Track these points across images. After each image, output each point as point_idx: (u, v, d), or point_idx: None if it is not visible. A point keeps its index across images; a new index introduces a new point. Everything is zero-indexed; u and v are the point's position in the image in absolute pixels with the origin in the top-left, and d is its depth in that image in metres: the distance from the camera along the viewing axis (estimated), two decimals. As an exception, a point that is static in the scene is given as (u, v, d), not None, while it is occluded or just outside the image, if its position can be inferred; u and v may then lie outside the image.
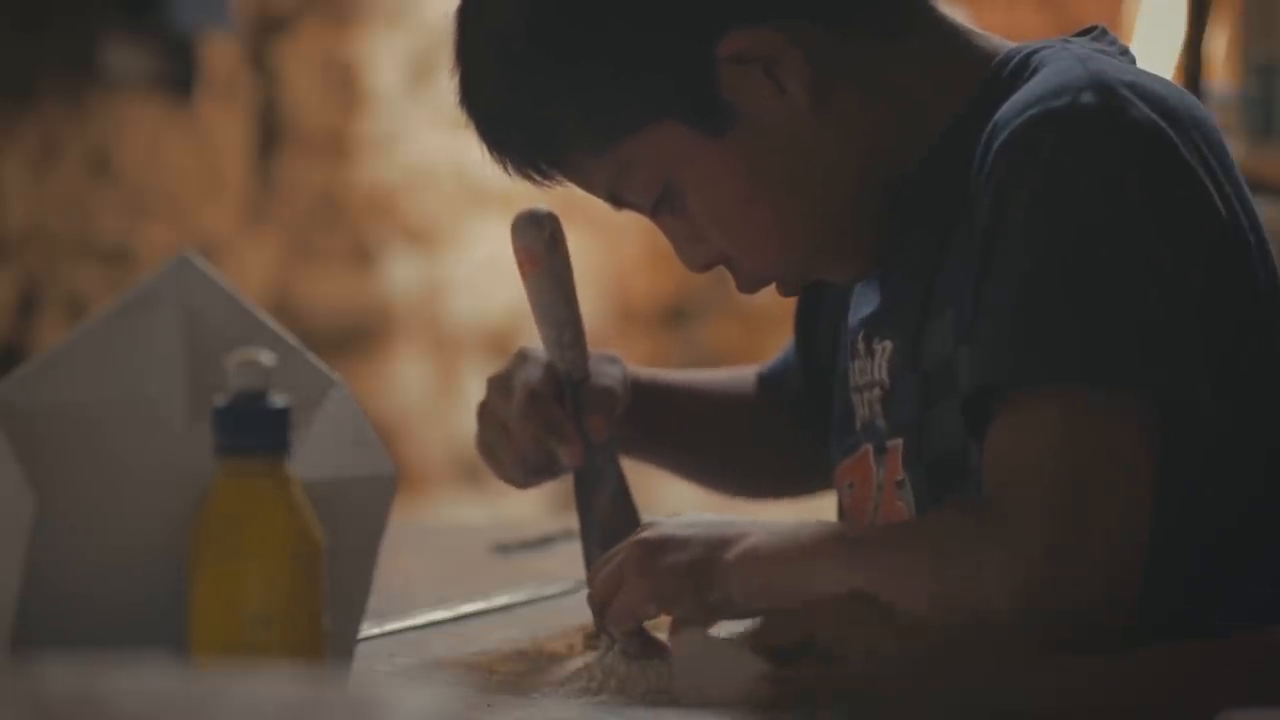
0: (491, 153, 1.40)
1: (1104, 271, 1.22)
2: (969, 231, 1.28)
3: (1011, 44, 1.39)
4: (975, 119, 1.31)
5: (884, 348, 1.38)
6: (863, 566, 1.26)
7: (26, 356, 3.37)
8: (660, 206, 1.37)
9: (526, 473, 1.51)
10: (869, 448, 1.42)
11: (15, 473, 1.10)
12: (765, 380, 1.71)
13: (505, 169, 1.40)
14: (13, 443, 1.10)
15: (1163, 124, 1.25)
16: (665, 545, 1.31)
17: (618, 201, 1.38)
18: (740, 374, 1.75)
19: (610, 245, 4.81)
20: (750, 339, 4.86)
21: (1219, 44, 3.41)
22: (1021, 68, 1.34)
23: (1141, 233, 1.23)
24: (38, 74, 3.65)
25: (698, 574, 1.29)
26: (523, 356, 1.52)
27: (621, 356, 1.58)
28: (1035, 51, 1.35)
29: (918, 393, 1.36)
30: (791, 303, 1.65)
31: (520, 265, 1.49)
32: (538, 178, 1.39)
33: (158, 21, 3.68)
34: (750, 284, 1.41)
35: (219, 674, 0.83)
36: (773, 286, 1.42)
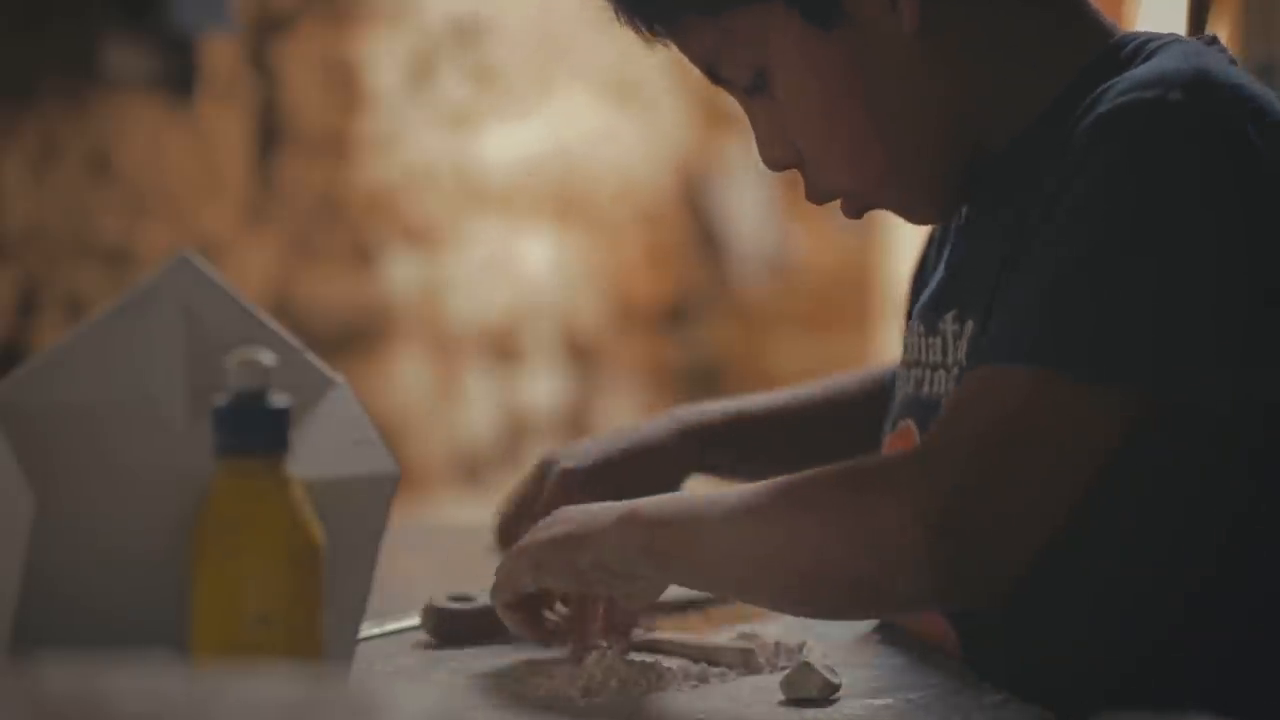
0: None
1: (1139, 269, 1.22)
2: (1043, 205, 1.29)
3: (1127, 31, 1.39)
4: (1082, 94, 1.31)
5: (967, 328, 1.37)
6: (755, 523, 1.27)
7: (26, 356, 3.37)
8: (753, 89, 1.39)
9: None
10: (910, 424, 1.42)
11: (15, 473, 1.10)
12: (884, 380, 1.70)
13: (616, 17, 1.41)
14: (13, 443, 1.10)
15: (1251, 131, 1.24)
16: (551, 521, 1.36)
17: (714, 75, 1.40)
18: (837, 383, 1.73)
19: (610, 245, 4.81)
20: (750, 339, 4.86)
21: (1219, 44, 3.41)
22: (1135, 53, 1.34)
23: (1191, 237, 1.22)
24: (38, 74, 3.65)
25: (569, 542, 1.33)
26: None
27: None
28: (1152, 40, 1.35)
29: None
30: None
31: None
32: (644, 33, 1.40)
33: (158, 21, 3.67)
34: (819, 193, 1.42)
35: (219, 674, 0.83)
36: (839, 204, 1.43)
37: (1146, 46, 1.34)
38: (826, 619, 1.43)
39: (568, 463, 1.57)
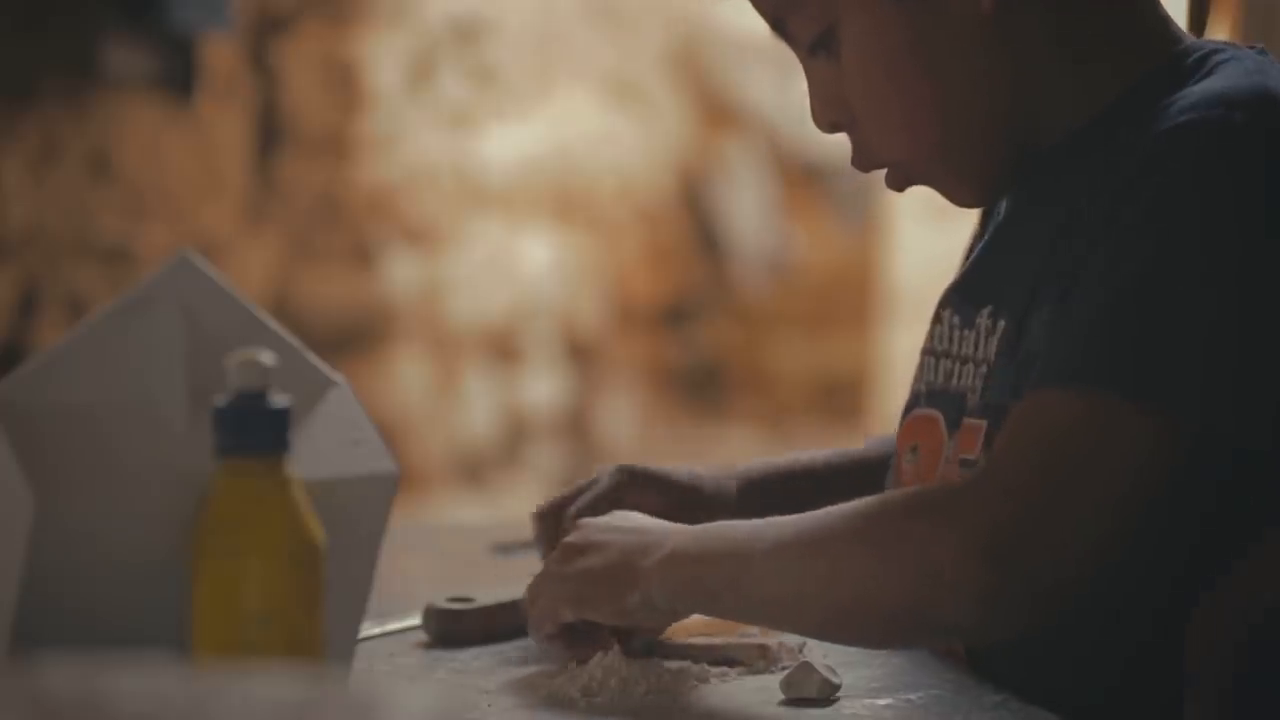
0: None
1: (1195, 297, 1.21)
2: (1096, 217, 1.27)
3: (1194, 39, 1.38)
4: (1141, 103, 1.30)
5: (999, 326, 1.36)
6: (804, 557, 1.25)
7: (26, 356, 3.37)
8: (817, 47, 1.38)
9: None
10: (936, 414, 1.42)
11: (15, 473, 1.10)
12: None
13: None
14: (13, 443, 1.10)
15: None
16: (584, 549, 1.34)
17: (780, 28, 1.40)
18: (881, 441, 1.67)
19: (610, 245, 4.81)
20: (750, 339, 4.86)
21: (1219, 44, 3.40)
22: (1199, 66, 1.33)
23: (1249, 266, 1.21)
24: (38, 74, 3.65)
25: (614, 578, 1.31)
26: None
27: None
28: (1217, 52, 1.34)
29: (1013, 380, 1.33)
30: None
31: None
32: None
33: (158, 21, 3.68)
34: (865, 160, 1.42)
35: (219, 674, 0.83)
36: (884, 174, 1.42)
37: (1210, 59, 1.33)
38: (875, 649, 1.38)
39: (627, 465, 1.53)
